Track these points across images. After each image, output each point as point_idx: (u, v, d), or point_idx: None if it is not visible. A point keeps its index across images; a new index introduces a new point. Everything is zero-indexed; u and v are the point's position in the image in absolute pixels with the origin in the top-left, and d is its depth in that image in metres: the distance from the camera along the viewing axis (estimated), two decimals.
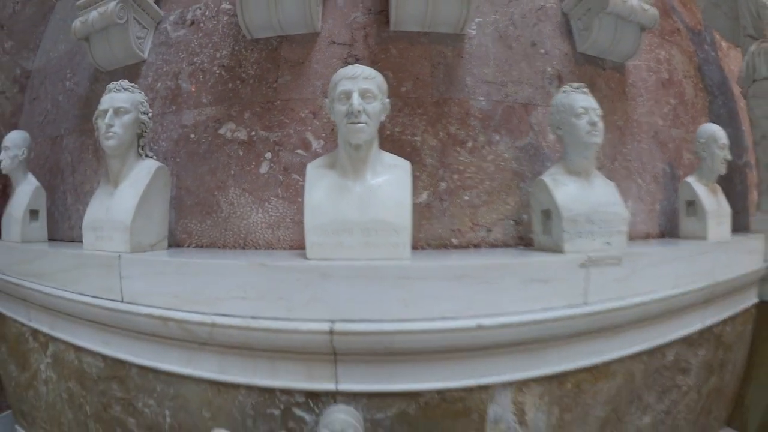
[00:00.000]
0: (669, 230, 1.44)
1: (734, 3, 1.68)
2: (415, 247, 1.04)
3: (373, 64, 1.12)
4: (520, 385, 0.89)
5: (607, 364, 0.97)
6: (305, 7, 1.14)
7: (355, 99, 0.82)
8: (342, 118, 0.84)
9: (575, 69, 1.30)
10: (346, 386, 0.84)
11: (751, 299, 1.43)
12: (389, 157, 0.92)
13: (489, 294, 0.80)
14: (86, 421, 1.18)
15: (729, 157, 1.34)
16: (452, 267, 0.80)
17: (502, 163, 1.11)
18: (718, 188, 1.40)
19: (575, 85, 1.00)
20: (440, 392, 0.85)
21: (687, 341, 1.15)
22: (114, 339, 1.03)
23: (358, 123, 0.82)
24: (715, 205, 1.33)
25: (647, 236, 1.39)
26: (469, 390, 0.86)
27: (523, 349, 0.86)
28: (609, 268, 0.91)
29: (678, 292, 1.02)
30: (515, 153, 1.13)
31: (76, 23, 1.38)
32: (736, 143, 1.78)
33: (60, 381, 1.22)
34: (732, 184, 1.71)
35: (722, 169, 1.34)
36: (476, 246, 1.08)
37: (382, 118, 0.90)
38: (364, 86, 0.83)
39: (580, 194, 0.93)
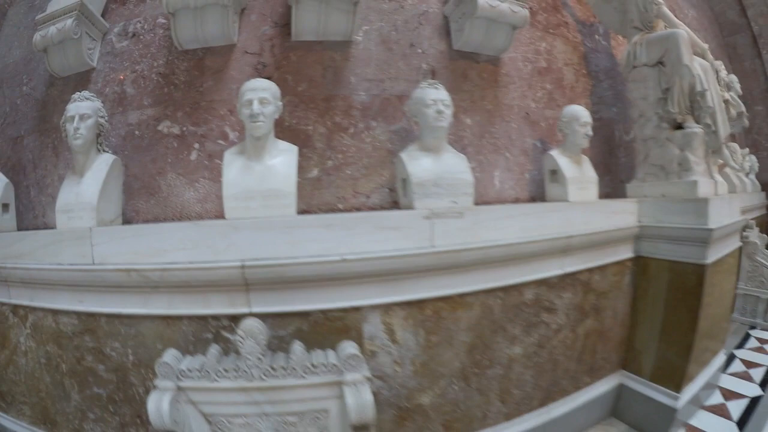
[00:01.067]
0: (539, 196, 2.30)
1: None
2: (309, 211, 1.90)
3: (276, 69, 2.00)
4: (386, 309, 1.73)
5: (461, 296, 1.80)
6: (224, 23, 2.02)
7: (255, 105, 1.68)
8: (247, 118, 1.70)
9: (449, 64, 2.17)
10: (257, 309, 1.70)
11: (622, 254, 2.31)
12: (282, 144, 1.78)
13: (351, 238, 1.65)
14: (62, 380, 2.09)
15: (590, 133, 2.19)
16: (323, 218, 1.65)
17: (378, 144, 1.96)
18: (584, 159, 2.26)
19: (430, 81, 1.84)
20: (324, 312, 1.70)
21: (546, 284, 1.98)
22: (87, 296, 1.92)
23: (258, 122, 1.68)
24: (577, 173, 2.18)
25: (516, 200, 2.28)
26: (345, 311, 1.71)
27: (384, 279, 1.70)
28: (452, 219, 1.74)
29: (522, 241, 1.85)
30: (389, 135, 1.98)
31: (37, 37, 2.29)
32: (623, 121, 2.68)
33: (39, 347, 2.12)
34: (616, 158, 2.61)
35: (584, 143, 2.19)
36: (358, 209, 1.94)
37: (276, 116, 1.75)
38: (261, 95, 1.69)
39: (429, 165, 1.77)
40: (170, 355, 1.69)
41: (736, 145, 5.65)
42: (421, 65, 2.14)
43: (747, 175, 6.35)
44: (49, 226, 2.27)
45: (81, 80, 2.26)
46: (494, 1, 2.12)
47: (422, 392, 1.84)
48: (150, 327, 1.83)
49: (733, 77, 6.30)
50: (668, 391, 2.31)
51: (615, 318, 2.36)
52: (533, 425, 2.11)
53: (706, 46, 2.76)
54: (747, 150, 6.27)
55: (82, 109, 1.92)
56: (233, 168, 1.75)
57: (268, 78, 1.91)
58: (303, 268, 1.63)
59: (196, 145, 2.02)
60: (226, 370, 1.61)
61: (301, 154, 1.91)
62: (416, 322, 1.77)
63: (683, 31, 2.34)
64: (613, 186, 2.78)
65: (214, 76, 2.02)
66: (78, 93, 1.97)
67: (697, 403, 2.51)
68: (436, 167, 1.80)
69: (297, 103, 1.98)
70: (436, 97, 1.80)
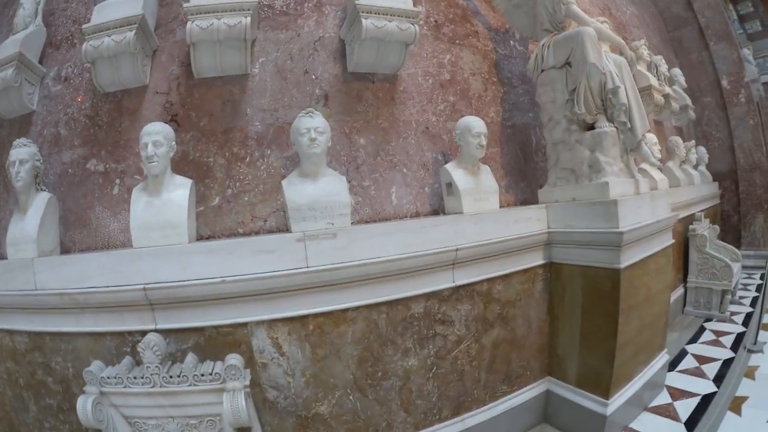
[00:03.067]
0: (442, 208, 2.94)
1: (533, 2, 3.11)
2: (213, 236, 2.74)
3: (182, 107, 2.86)
4: (270, 324, 2.51)
5: (343, 312, 2.53)
6: (135, 67, 2.92)
7: (150, 148, 2.54)
8: (144, 160, 2.58)
9: (343, 87, 2.89)
10: (161, 326, 2.57)
11: (531, 261, 2.90)
12: (179, 179, 2.64)
13: (232, 261, 2.45)
14: (21, 393, 3.14)
15: (483, 143, 2.80)
16: (207, 244, 2.48)
17: (273, 170, 2.75)
18: (483, 169, 2.87)
19: (306, 110, 2.59)
20: (216, 328, 2.53)
21: (437, 296, 2.65)
22: (35, 317, 2.92)
23: (152, 162, 2.55)
24: (473, 184, 2.80)
25: (416, 214, 2.94)
26: (234, 326, 2.53)
27: (265, 298, 2.48)
28: (325, 240, 2.49)
29: (402, 256, 2.54)
30: (283, 162, 2.76)
31: None
32: (540, 126, 3.27)
33: (0, 365, 3.21)
34: (534, 163, 3.16)
35: (478, 154, 2.81)
36: (257, 233, 2.74)
37: (171, 155, 2.61)
38: (154, 138, 2.55)
39: (306, 190, 2.53)
40: (95, 365, 2.61)
41: (677, 139, 6.61)
42: (314, 91, 2.90)
43: (696, 167, 7.55)
44: (4, 257, 3.35)
45: (24, 122, 3.30)
46: (380, 22, 2.82)
47: (318, 402, 2.61)
48: (83, 342, 2.78)
49: (677, 71, 7.83)
50: (596, 397, 2.88)
51: (529, 326, 2.98)
52: None
53: (623, 42, 3.25)
54: (693, 142, 7.31)
55: (21, 154, 2.91)
56: (138, 202, 2.64)
57: (175, 115, 2.79)
58: (192, 289, 2.48)
59: (117, 181, 2.95)
60: (135, 378, 2.51)
61: (204, 185, 2.76)
62: (300, 337, 2.54)
63: (589, 29, 2.87)
64: (531, 191, 3.37)
65: (131, 117, 2.93)
66: (17, 140, 2.97)
67: (639, 404, 3.05)
68: (313, 191, 2.55)
69: (200, 138, 2.83)
70: (309, 125, 2.55)
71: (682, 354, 4.97)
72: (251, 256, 2.46)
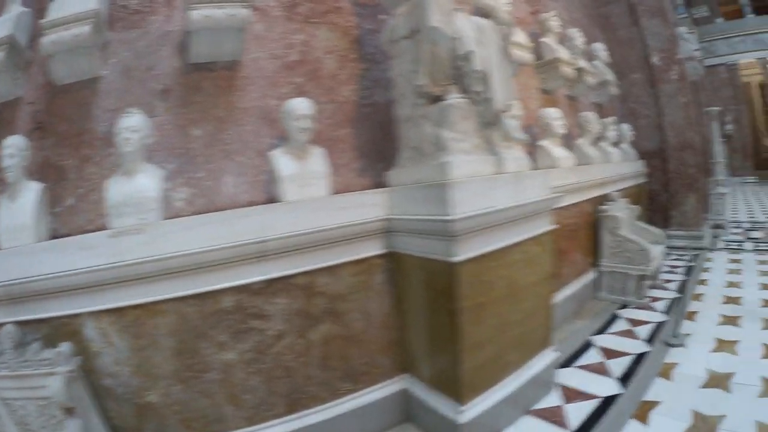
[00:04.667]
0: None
1: None
2: (70, 234, 3.64)
3: (48, 114, 3.81)
4: (96, 316, 3.31)
5: (154, 304, 3.23)
6: (8, 82, 3.97)
7: (5, 160, 3.54)
8: (3, 170, 3.60)
9: (183, 79, 3.55)
10: (20, 317, 3.57)
11: (365, 251, 3.23)
12: (31, 184, 3.57)
13: (62, 258, 3.30)
14: None
15: (306, 126, 3.21)
16: (45, 244, 3.38)
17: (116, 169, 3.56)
18: (313, 154, 3.28)
19: (127, 111, 3.34)
20: (57, 318, 3.43)
21: (248, 290, 3.20)
22: None
23: (9, 173, 3.55)
24: (298, 170, 3.24)
25: (251, 203, 3.44)
26: (69, 317, 3.38)
27: (90, 291, 3.27)
28: (136, 235, 3.21)
29: (205, 249, 3.15)
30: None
31: None
32: None
33: None
34: (393, 143, 3.41)
35: (302, 138, 3.23)
36: (102, 229, 3.57)
37: (25, 163, 3.57)
38: (8, 151, 3.52)
39: (123, 188, 3.27)
40: None
41: (590, 114, 7.44)
42: (156, 87, 3.64)
43: (618, 144, 8.92)
44: None
45: None
46: (209, 11, 3.45)
47: (147, 391, 3.36)
48: None
49: (598, 45, 9.10)
50: (451, 401, 3.18)
51: (368, 321, 3.36)
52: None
53: (494, 4, 3.35)
54: (613, 118, 8.43)
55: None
56: (2, 208, 3.67)
57: (40, 123, 3.78)
58: (36, 284, 3.39)
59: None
60: (1, 363, 3.54)
61: (60, 186, 3.69)
62: (121, 328, 3.31)
63: None
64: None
65: (7, 128, 3.98)
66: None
67: (519, 407, 3.26)
68: (128, 189, 3.31)
69: (59, 142, 3.76)
70: (123, 125, 3.31)
71: (586, 346, 5.12)
72: (79, 252, 3.31)
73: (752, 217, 13.50)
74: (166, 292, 3.24)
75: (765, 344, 4.62)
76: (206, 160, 3.58)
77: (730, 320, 5.45)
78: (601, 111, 9.16)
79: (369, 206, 3.40)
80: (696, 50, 13.14)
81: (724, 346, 4.71)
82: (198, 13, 3.46)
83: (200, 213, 3.48)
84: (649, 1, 9.96)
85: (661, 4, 9.92)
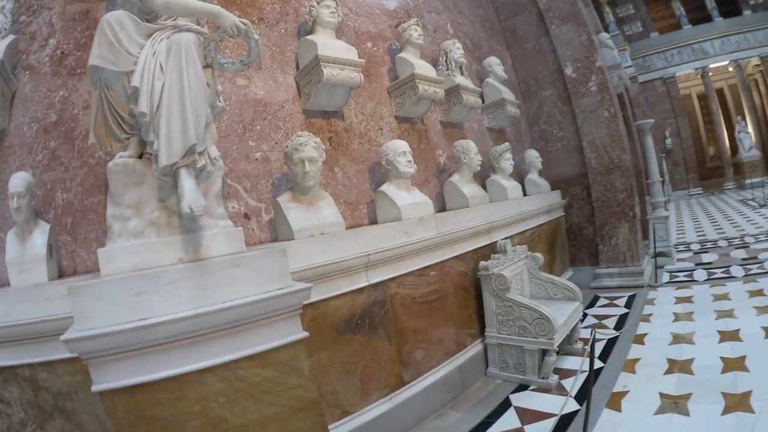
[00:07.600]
0: None
1: None
2: None
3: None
4: None
5: None
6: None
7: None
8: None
9: None
10: None
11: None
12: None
13: None
14: None
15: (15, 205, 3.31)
16: None
17: None
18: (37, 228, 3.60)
19: None
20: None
21: None
22: None
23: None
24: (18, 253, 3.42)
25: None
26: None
27: None
28: None
29: None
30: None
31: None
32: None
33: None
34: None
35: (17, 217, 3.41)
36: None
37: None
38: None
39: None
40: None
41: (466, 143, 6.05)
42: None
43: (523, 176, 8.11)
44: None
45: None
46: None
47: None
48: None
49: (493, 59, 8.41)
50: None
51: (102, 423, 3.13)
52: None
53: (216, 10, 2.72)
54: (506, 145, 7.01)
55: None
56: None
57: None
58: None
59: None
60: None
61: None
62: None
63: (110, 14, 2.53)
64: None
65: None
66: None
67: None
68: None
69: None
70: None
71: None
72: None
73: (702, 236, 12.11)
74: None
75: None
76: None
77: (676, 403, 3.79)
78: (502, 137, 8.38)
79: None
80: (628, 67, 12.20)
81: None
82: None
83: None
84: (560, 4, 8.68)
85: (574, 8, 8.63)
